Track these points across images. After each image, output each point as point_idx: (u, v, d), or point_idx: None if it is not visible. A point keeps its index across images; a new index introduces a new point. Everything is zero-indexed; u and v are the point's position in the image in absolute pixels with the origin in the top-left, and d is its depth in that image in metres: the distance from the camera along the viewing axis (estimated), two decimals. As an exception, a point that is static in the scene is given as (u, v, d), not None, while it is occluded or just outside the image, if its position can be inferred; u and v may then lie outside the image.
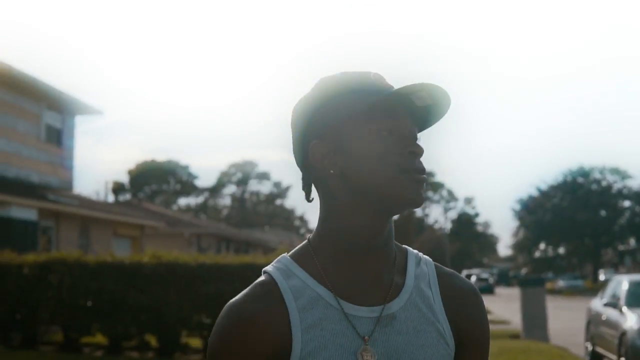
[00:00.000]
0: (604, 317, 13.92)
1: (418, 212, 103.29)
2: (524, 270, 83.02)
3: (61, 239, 20.97)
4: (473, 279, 58.86)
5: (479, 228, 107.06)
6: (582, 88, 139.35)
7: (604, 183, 73.14)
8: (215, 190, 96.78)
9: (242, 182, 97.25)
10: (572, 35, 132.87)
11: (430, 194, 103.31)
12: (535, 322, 18.95)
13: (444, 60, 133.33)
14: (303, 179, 1.53)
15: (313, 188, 1.53)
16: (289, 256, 1.50)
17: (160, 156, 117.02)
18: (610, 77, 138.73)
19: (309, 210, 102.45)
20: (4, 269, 14.39)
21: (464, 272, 68.00)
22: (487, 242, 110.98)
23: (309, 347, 1.38)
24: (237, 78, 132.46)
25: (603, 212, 71.81)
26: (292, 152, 1.54)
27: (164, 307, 13.73)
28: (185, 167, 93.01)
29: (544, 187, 74.60)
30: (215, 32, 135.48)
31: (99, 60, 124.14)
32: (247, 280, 14.01)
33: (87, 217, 22.61)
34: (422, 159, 1.46)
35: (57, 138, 23.25)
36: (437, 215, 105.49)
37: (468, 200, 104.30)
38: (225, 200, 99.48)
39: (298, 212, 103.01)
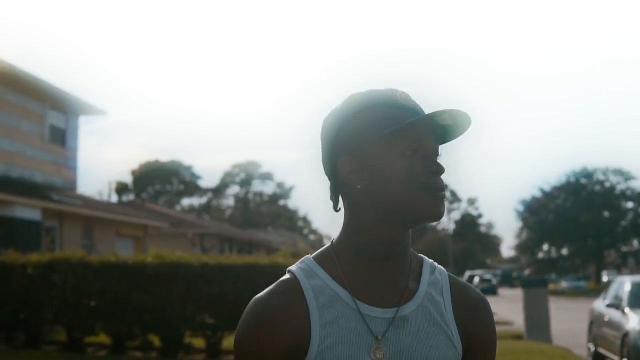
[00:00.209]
0: (606, 318, 13.93)
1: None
2: (527, 271, 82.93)
3: (65, 239, 21.02)
4: (476, 279, 58.85)
5: (482, 229, 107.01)
6: (585, 89, 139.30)
7: (607, 184, 73.06)
8: (218, 191, 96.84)
9: (246, 182, 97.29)
10: (576, 36, 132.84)
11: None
12: (537, 322, 18.96)
13: (446, 62, 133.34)
14: (331, 189, 1.63)
15: (340, 198, 1.63)
16: (312, 257, 1.61)
17: (164, 156, 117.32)
18: (614, 78, 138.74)
19: (312, 211, 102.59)
20: (8, 268, 14.43)
21: (467, 273, 67.99)
22: (490, 243, 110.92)
23: (325, 342, 1.48)
24: (239, 79, 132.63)
25: (606, 213, 71.74)
26: (321, 162, 1.65)
27: (168, 307, 13.76)
28: (189, 168, 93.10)
29: (547, 188, 74.56)
30: (219, 33, 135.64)
31: (103, 61, 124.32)
32: (250, 281, 14.09)
33: (91, 217, 22.66)
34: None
35: (61, 138, 23.31)
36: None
37: (471, 201, 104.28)
38: (228, 201, 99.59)
39: (301, 212, 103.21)
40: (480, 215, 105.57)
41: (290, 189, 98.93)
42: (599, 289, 47.24)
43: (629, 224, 71.22)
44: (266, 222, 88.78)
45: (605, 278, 66.19)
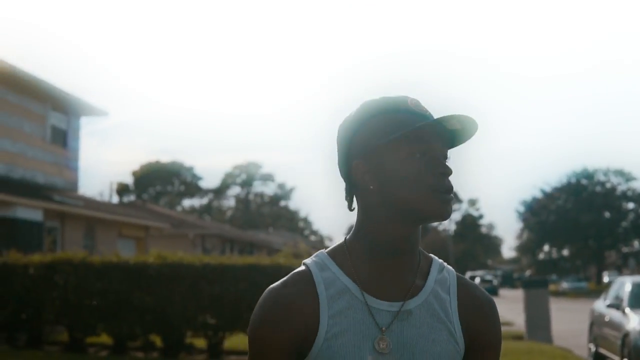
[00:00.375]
0: (607, 318, 13.96)
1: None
2: (527, 272, 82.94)
3: (66, 240, 21.05)
4: (477, 280, 58.83)
5: (483, 230, 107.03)
6: (586, 90, 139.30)
7: (608, 185, 73.03)
8: (219, 192, 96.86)
9: (247, 183, 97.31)
10: (577, 36, 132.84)
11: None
12: (538, 323, 18.98)
13: (448, 63, 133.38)
14: (346, 190, 1.73)
15: (354, 198, 1.72)
16: (327, 252, 1.71)
17: (165, 157, 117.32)
18: (614, 79, 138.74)
19: (313, 212, 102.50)
20: (10, 269, 14.46)
21: (468, 274, 67.93)
22: (491, 243, 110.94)
23: (332, 330, 1.58)
24: (241, 80, 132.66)
25: (607, 214, 71.72)
26: (337, 165, 1.74)
27: (169, 307, 13.79)
28: (190, 169, 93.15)
29: (548, 189, 74.53)
30: (220, 35, 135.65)
31: (104, 61, 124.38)
32: (251, 281, 14.08)
33: (92, 217, 22.69)
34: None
35: (62, 139, 23.34)
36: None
37: (472, 202, 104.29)
38: (229, 202, 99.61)
39: (302, 213, 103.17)
40: (481, 216, 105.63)
41: (291, 190, 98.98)
42: (600, 289, 47.23)
43: (629, 225, 71.19)
44: (267, 223, 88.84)
45: (606, 279, 66.22)
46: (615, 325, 13.27)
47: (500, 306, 36.80)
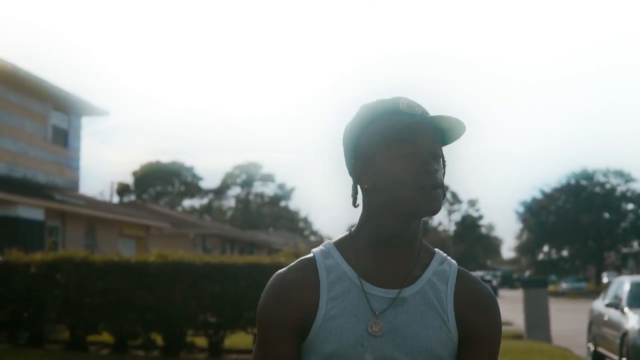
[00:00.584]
0: (605, 318, 14.00)
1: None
2: (527, 273, 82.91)
3: (67, 239, 21.10)
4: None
5: (483, 230, 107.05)
6: (586, 91, 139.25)
7: (607, 186, 73.02)
8: (219, 192, 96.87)
9: (247, 183, 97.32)
10: (576, 39, 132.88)
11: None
12: (537, 323, 19.03)
13: (448, 66, 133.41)
14: (352, 187, 1.85)
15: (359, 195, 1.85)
16: (333, 242, 1.84)
17: (165, 157, 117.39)
18: (614, 81, 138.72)
19: (313, 213, 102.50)
20: (11, 267, 14.51)
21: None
22: (491, 244, 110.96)
23: (330, 313, 1.71)
24: (241, 81, 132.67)
25: (606, 215, 71.71)
26: (343, 164, 1.88)
27: (170, 306, 13.84)
28: (190, 169, 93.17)
29: (547, 189, 74.50)
30: (221, 35, 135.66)
31: (105, 62, 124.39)
32: (252, 280, 14.15)
33: (93, 217, 22.75)
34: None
35: (64, 138, 23.39)
36: (441, 218, 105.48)
37: (472, 203, 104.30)
38: (229, 202, 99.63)
39: (302, 214, 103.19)
40: (481, 217, 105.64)
41: (291, 190, 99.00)
42: (599, 290, 47.22)
43: (629, 226, 71.19)
44: (267, 224, 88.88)
45: (605, 279, 66.16)
46: (614, 325, 13.31)
47: (499, 306, 36.99)
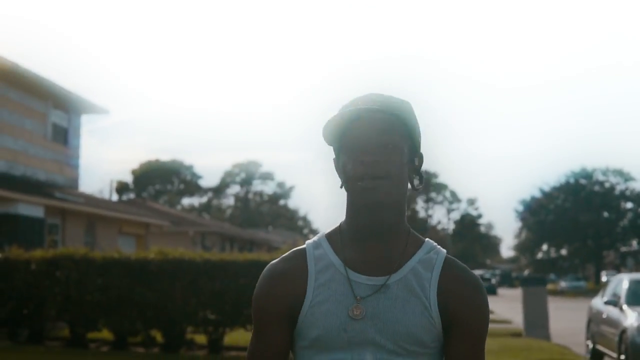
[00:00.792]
0: (604, 315, 14.03)
1: (421, 212, 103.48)
2: (526, 272, 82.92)
3: (67, 237, 21.11)
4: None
5: (482, 229, 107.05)
6: (585, 90, 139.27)
7: (606, 185, 73.02)
8: (219, 190, 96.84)
9: (246, 182, 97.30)
10: (575, 39, 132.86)
11: (433, 195, 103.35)
12: (536, 321, 19.05)
13: (447, 64, 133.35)
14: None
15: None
16: (325, 234, 1.92)
17: (165, 156, 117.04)
18: (614, 80, 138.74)
19: (312, 211, 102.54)
20: (12, 264, 14.53)
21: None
22: (490, 243, 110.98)
23: (316, 299, 1.80)
24: (241, 79, 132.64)
25: (605, 214, 71.71)
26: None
27: (170, 303, 13.86)
28: (189, 167, 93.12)
29: (546, 188, 74.49)
30: (220, 34, 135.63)
31: (106, 60, 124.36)
32: (252, 277, 14.16)
33: (93, 215, 22.75)
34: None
35: (63, 137, 23.41)
36: (440, 217, 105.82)
37: (471, 202, 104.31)
38: (229, 200, 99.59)
39: (301, 212, 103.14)
40: (480, 216, 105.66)
41: (291, 189, 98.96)
42: (598, 289, 47.18)
43: (628, 225, 71.20)
44: (266, 222, 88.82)
45: (604, 278, 66.14)
46: (612, 322, 13.34)
47: (498, 305, 36.72)
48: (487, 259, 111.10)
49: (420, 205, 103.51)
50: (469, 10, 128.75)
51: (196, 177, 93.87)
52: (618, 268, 72.85)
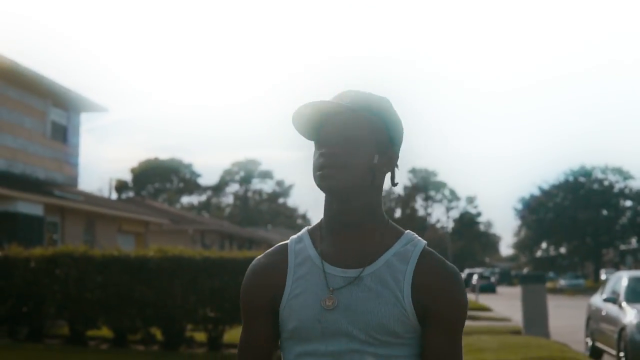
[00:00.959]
0: (603, 313, 14.04)
1: (420, 211, 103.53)
2: (525, 270, 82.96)
3: (66, 235, 21.10)
4: (475, 278, 58.95)
5: (481, 227, 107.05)
6: (584, 89, 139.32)
7: (605, 183, 73.05)
8: (218, 189, 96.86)
9: (245, 180, 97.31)
10: (574, 37, 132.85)
11: (432, 193, 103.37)
12: (535, 318, 19.04)
13: (446, 63, 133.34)
14: None
15: None
16: (307, 228, 1.99)
17: (164, 154, 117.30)
18: (613, 78, 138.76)
19: (311, 209, 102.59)
20: (11, 262, 14.52)
21: (466, 271, 67.93)
22: (489, 241, 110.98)
23: (294, 292, 1.87)
24: (240, 78, 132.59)
25: (604, 212, 71.75)
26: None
27: (169, 300, 13.87)
28: (189, 166, 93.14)
29: (545, 186, 74.56)
30: (220, 33, 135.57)
31: (105, 58, 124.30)
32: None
33: (92, 213, 22.75)
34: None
35: (63, 135, 23.42)
36: (440, 215, 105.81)
37: (470, 200, 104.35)
38: (228, 199, 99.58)
39: (301, 210, 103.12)
40: (479, 214, 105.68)
41: (290, 187, 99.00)
42: (597, 287, 47.24)
43: (627, 223, 71.25)
44: (266, 220, 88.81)
45: (603, 276, 66.21)
46: (612, 320, 13.35)
47: (498, 303, 36.69)
48: (486, 257, 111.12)
49: (419, 203, 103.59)
50: (471, 10, 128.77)
51: (195, 175, 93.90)
52: (617, 266, 72.92)
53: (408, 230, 1.95)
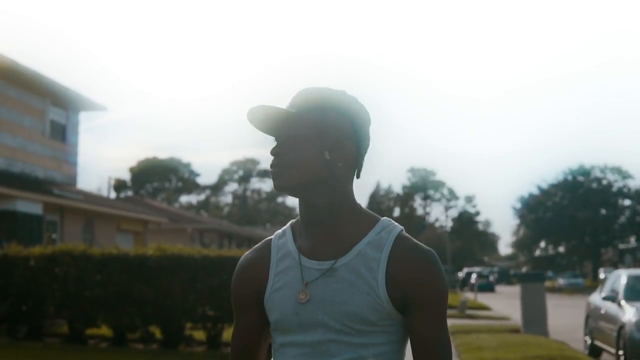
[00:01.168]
0: (602, 311, 14.05)
1: (419, 210, 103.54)
2: (524, 269, 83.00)
3: (66, 233, 21.12)
4: (473, 277, 58.97)
5: (480, 226, 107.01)
6: (583, 88, 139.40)
7: (604, 182, 73.07)
8: (216, 188, 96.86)
9: (244, 179, 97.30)
10: (573, 36, 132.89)
11: (431, 192, 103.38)
12: (534, 317, 19.05)
13: (445, 62, 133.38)
14: None
15: None
16: (291, 222, 2.04)
17: (163, 154, 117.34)
18: (612, 77, 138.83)
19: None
20: (10, 261, 14.53)
21: (465, 270, 67.98)
22: (488, 240, 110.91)
23: (275, 286, 1.93)
24: (240, 77, 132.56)
25: (603, 211, 71.77)
26: None
27: (169, 299, 13.88)
28: (187, 165, 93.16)
29: (544, 185, 74.58)
30: (219, 32, 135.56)
31: (104, 58, 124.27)
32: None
33: (91, 211, 22.75)
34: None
35: (62, 134, 23.43)
36: (438, 214, 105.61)
37: (469, 199, 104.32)
38: (226, 198, 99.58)
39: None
40: (477, 213, 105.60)
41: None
42: (596, 286, 47.24)
43: (626, 222, 71.28)
44: (264, 220, 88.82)
45: (602, 275, 66.22)
46: (611, 318, 13.36)
47: (497, 302, 36.68)
48: (485, 257, 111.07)
49: (418, 202, 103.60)
50: (471, 10, 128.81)
51: (194, 174, 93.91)
52: (616, 265, 72.92)
53: (384, 218, 1.96)
